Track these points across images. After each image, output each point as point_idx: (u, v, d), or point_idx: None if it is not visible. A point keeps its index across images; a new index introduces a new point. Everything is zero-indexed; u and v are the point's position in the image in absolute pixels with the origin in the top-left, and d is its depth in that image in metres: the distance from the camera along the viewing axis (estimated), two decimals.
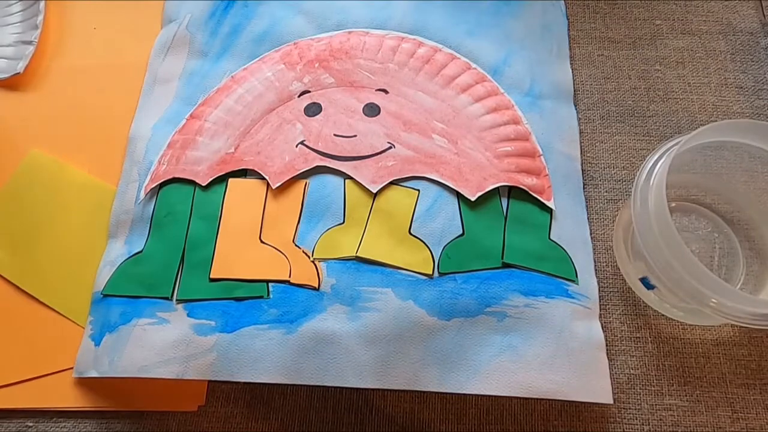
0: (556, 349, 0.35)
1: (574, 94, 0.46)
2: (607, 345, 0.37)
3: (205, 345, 0.36)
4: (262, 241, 0.39)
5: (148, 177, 0.42)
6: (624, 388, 0.37)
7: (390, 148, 0.41)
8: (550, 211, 0.40)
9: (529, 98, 0.44)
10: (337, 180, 0.40)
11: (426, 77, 0.44)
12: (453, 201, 0.40)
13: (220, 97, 0.44)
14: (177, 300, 0.38)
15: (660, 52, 0.47)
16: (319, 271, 0.38)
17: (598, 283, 0.39)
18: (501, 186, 0.40)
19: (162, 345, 0.36)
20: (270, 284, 0.38)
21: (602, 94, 0.46)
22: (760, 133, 0.37)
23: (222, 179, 0.41)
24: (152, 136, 0.43)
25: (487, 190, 0.40)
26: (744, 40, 0.48)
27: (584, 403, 0.36)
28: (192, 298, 0.38)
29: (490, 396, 0.36)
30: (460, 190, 0.40)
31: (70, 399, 0.38)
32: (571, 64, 0.47)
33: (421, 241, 0.38)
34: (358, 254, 0.38)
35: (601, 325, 0.38)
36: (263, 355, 0.35)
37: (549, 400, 0.36)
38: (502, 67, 0.45)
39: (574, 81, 0.46)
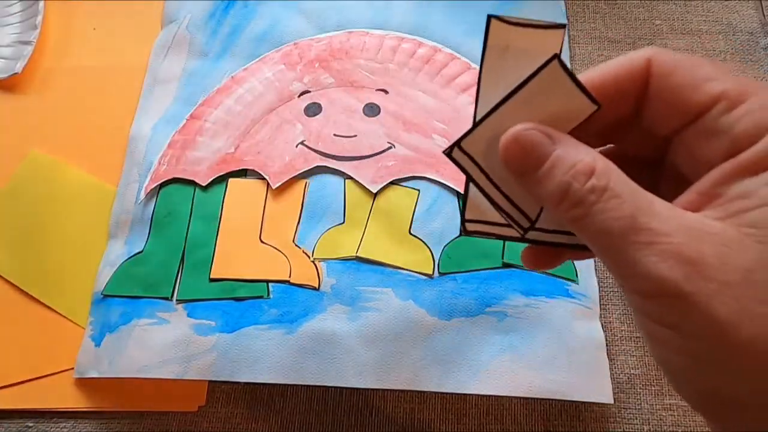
0: (557, 349, 0.35)
1: None
2: (607, 345, 0.37)
3: (205, 345, 0.36)
4: (262, 241, 0.39)
5: (148, 177, 0.42)
6: (624, 388, 0.37)
7: (390, 148, 0.41)
8: None
9: None
10: (337, 180, 0.40)
11: (426, 77, 0.44)
12: (453, 201, 0.40)
13: (220, 98, 0.44)
14: (177, 300, 0.38)
15: None
16: (319, 271, 0.38)
17: (599, 283, 0.39)
18: None
19: (162, 345, 0.36)
20: (270, 284, 0.38)
21: None
22: None
23: (222, 179, 0.41)
24: (152, 136, 0.43)
25: None
26: (744, 40, 0.48)
27: (584, 403, 0.36)
28: (192, 298, 0.38)
29: (490, 396, 0.36)
30: (460, 190, 0.39)
31: (70, 399, 0.37)
32: (571, 64, 0.47)
33: (422, 241, 0.38)
34: (358, 254, 0.38)
35: (601, 324, 0.38)
36: (263, 355, 0.35)
37: (549, 400, 0.36)
38: None
39: None
